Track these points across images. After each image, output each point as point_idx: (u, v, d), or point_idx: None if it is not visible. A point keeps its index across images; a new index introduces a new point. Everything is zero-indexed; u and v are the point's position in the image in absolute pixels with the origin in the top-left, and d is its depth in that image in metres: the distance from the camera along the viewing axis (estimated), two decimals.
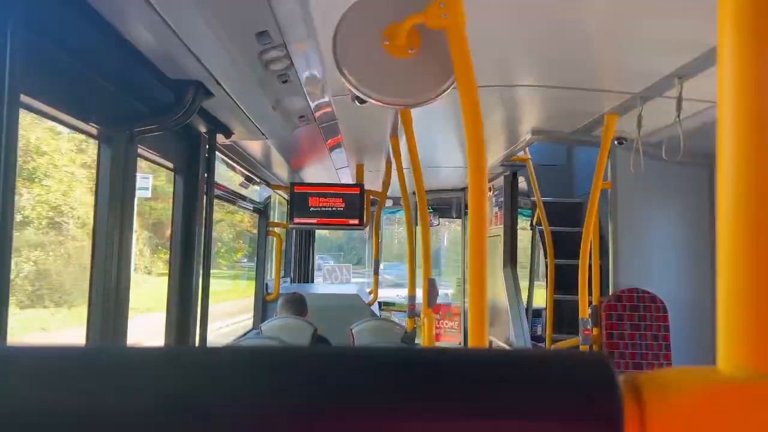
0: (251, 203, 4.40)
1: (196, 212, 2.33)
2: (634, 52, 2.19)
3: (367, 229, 5.85)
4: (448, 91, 1.41)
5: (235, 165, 3.49)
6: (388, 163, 4.14)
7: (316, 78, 2.08)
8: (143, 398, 0.38)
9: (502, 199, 5.07)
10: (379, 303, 5.94)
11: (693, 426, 0.39)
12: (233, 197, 3.92)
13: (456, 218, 6.78)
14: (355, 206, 4.28)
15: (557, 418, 0.38)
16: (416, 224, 4.02)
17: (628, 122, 2.85)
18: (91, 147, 1.73)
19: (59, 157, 2.48)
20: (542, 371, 0.40)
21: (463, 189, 5.95)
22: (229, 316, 5.36)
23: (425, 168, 3.06)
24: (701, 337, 3.48)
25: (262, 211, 4.68)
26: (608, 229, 3.91)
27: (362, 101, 1.47)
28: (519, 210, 5.16)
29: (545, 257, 4.92)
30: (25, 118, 1.48)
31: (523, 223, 5.47)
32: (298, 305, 3.54)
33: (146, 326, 3.11)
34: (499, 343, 4.99)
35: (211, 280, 2.51)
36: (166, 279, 2.33)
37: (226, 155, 3.17)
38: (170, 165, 2.28)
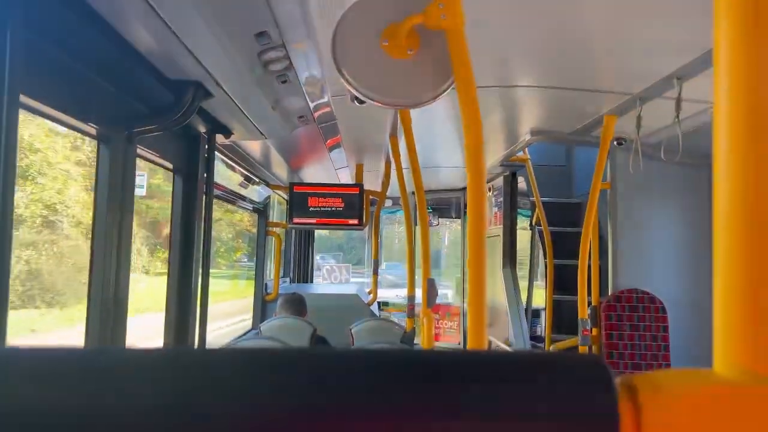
0: (251, 203, 4.40)
1: (195, 212, 2.33)
2: (633, 52, 2.19)
3: (367, 229, 5.85)
4: (448, 91, 1.41)
5: (234, 165, 3.48)
6: (388, 163, 4.14)
7: (315, 78, 2.08)
8: (143, 399, 0.38)
9: (501, 199, 5.07)
10: (379, 303, 5.94)
11: (688, 428, 0.39)
12: (233, 197, 3.91)
13: (456, 218, 6.78)
14: (354, 206, 4.27)
15: (554, 420, 0.38)
16: (416, 224, 4.02)
17: (627, 123, 2.85)
18: (87, 144, 1.72)
19: (53, 154, 2.46)
20: (539, 373, 0.40)
21: (463, 189, 5.94)
22: (228, 316, 5.35)
23: (424, 168, 3.06)
24: (700, 337, 3.47)
25: (261, 211, 4.68)
26: (607, 230, 3.91)
27: (361, 101, 1.47)
28: (518, 210, 5.16)
29: (544, 257, 4.91)
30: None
31: (522, 224, 5.46)
32: (297, 305, 3.54)
33: (144, 326, 3.10)
34: (499, 344, 4.99)
35: (211, 280, 2.51)
36: (163, 278, 2.33)
37: (226, 155, 3.17)
38: (170, 165, 2.28)
